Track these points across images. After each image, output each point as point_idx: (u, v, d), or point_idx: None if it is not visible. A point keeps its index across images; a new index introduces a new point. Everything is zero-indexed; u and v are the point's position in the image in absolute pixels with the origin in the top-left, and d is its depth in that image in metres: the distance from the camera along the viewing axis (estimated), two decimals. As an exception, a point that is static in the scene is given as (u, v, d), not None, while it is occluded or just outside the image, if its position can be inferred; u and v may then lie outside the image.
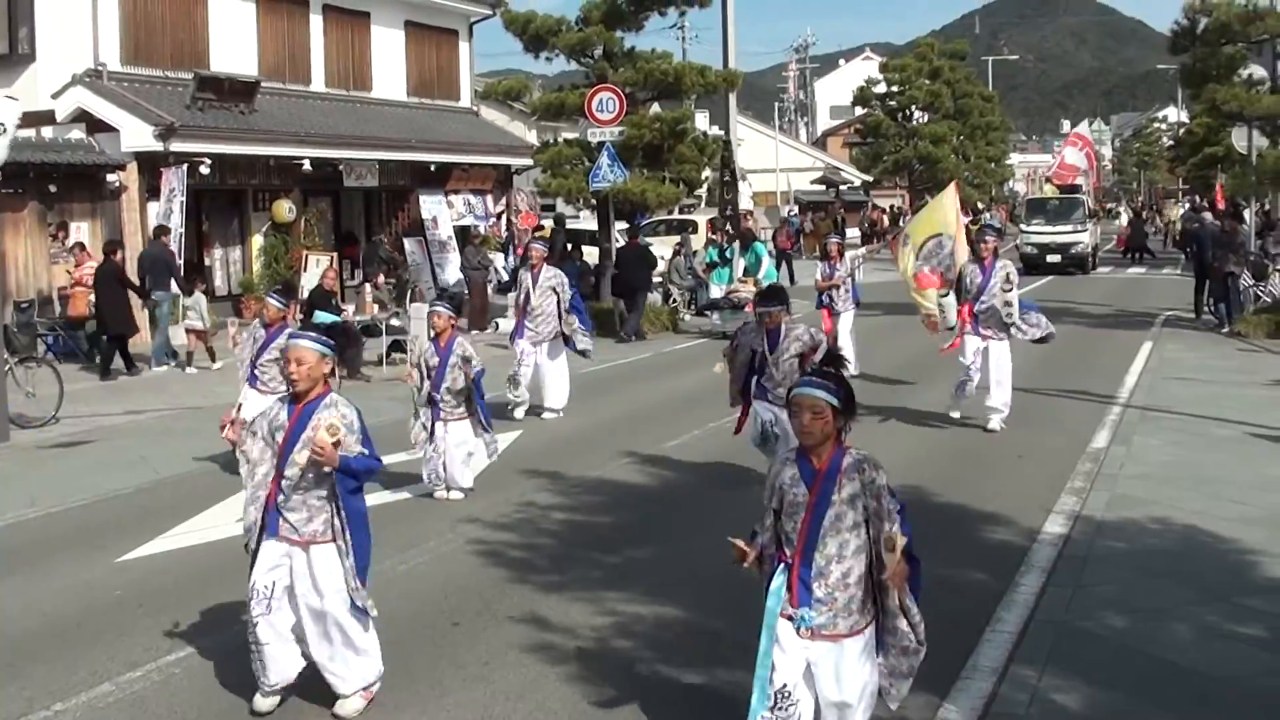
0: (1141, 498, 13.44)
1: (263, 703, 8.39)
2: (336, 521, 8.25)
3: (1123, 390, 20.87)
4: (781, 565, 6.75)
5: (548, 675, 8.95)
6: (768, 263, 30.70)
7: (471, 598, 10.82)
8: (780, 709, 6.61)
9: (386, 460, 15.39)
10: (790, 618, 6.66)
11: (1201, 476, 14.45)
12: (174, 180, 29.24)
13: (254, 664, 8.35)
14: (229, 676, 8.93)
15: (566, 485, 15.03)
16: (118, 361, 24.85)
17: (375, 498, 14.48)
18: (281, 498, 8.19)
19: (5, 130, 18.00)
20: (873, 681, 6.78)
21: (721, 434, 16.48)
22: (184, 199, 29.38)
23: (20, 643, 9.91)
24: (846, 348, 23.31)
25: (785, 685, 6.62)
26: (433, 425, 14.35)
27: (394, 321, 26.62)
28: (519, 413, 19.57)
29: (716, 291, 31.45)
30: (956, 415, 18.37)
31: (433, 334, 14.53)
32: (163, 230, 28.01)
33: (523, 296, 19.63)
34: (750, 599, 10.61)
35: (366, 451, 8.19)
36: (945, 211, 19.30)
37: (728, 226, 35.07)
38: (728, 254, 31.84)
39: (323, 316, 7.84)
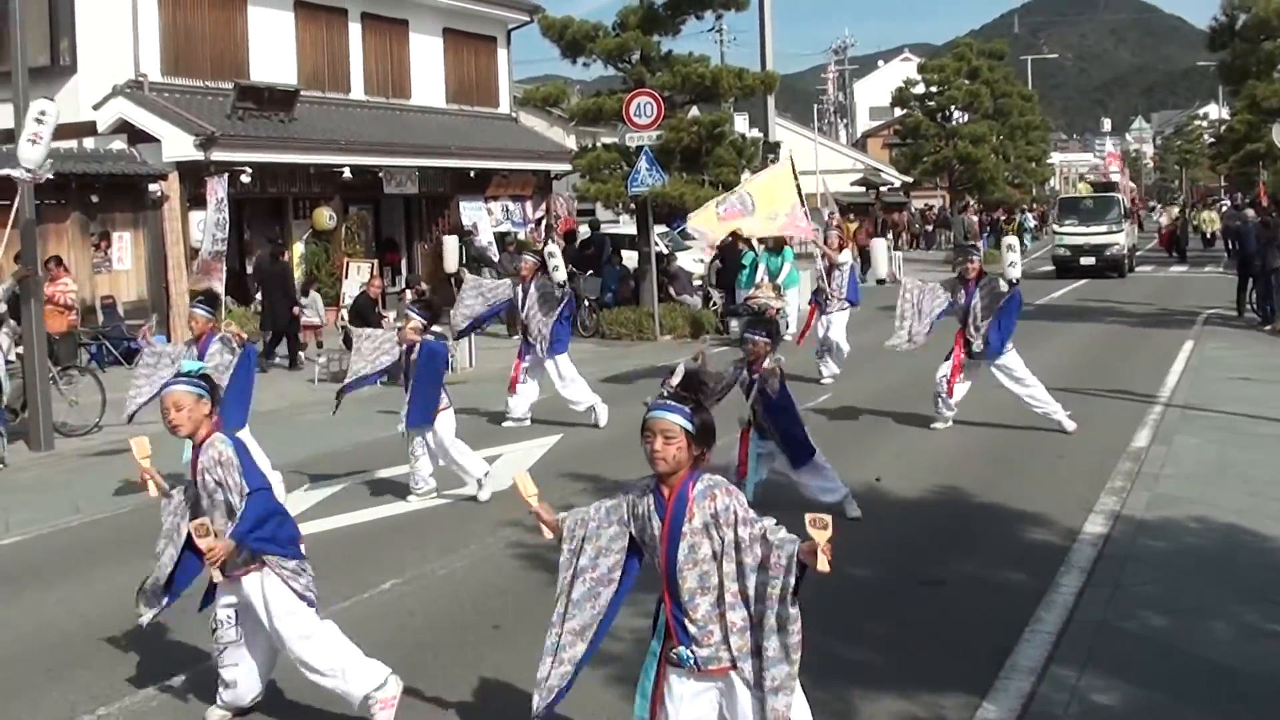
0: (1182, 497, 13.39)
1: (216, 713, 8.47)
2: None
3: (1164, 389, 20.78)
4: (660, 604, 6.40)
5: (588, 677, 8.94)
6: (788, 268, 30.51)
7: (512, 601, 10.87)
8: None
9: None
10: (672, 657, 6.34)
11: (1243, 475, 14.38)
12: (220, 189, 29.42)
13: (217, 682, 8.43)
14: (272, 680, 8.99)
15: (606, 488, 15.02)
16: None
17: (415, 503, 14.59)
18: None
19: (40, 138, 18.11)
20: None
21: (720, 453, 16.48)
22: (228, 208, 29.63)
23: (63, 648, 10.00)
24: (838, 349, 23.18)
25: None
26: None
27: (435, 328, 26.65)
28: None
29: (738, 298, 31.08)
30: (938, 426, 18.30)
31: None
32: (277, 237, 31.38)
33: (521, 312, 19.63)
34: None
35: (248, 487, 7.88)
36: (785, 186, 19.83)
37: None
38: (743, 260, 31.58)
39: (189, 365, 7.70)
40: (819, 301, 23.48)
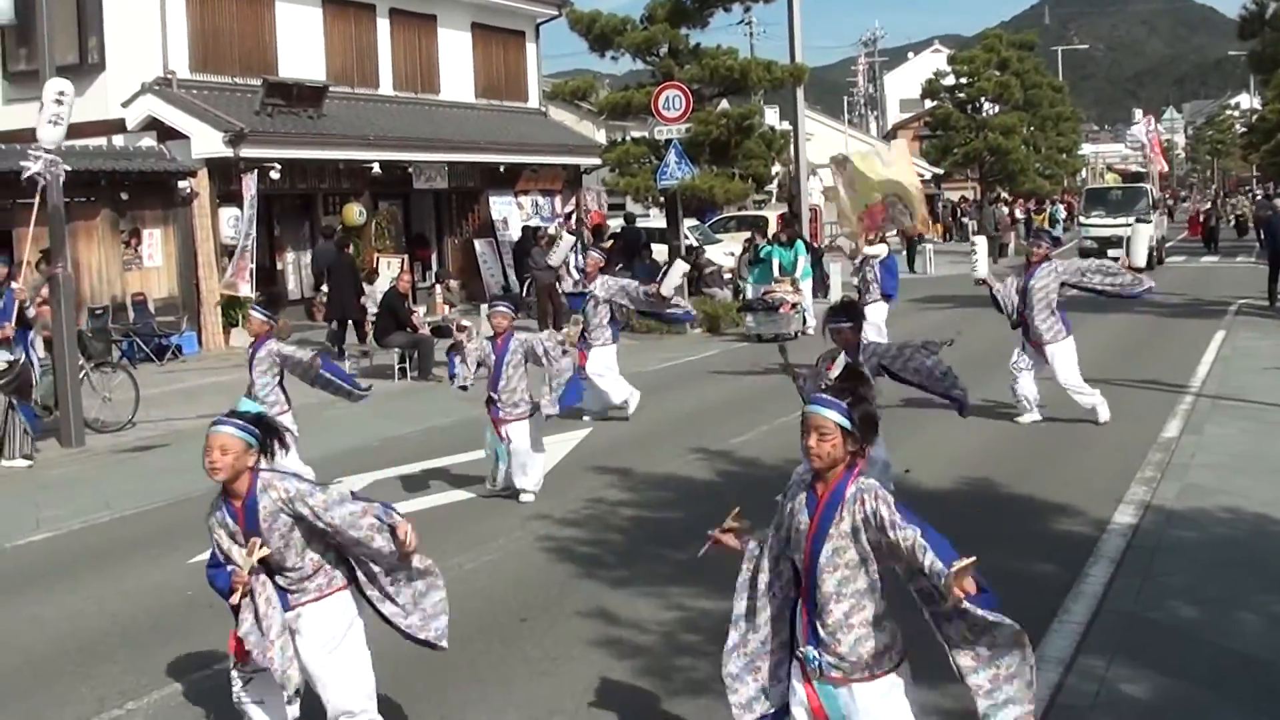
0: (1213, 487, 13.32)
1: None
2: (335, 569, 7.59)
3: (1194, 379, 20.66)
4: (798, 604, 6.22)
5: (615, 670, 8.99)
6: (803, 262, 30.38)
7: (540, 594, 10.87)
8: None
9: (456, 459, 15.55)
10: (799, 659, 6.19)
11: (1274, 466, 14.29)
12: (254, 186, 29.55)
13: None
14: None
15: (634, 482, 15.05)
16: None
17: (445, 497, 14.62)
18: (280, 579, 7.51)
19: (60, 120, 18.11)
20: None
21: (787, 430, 16.30)
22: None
23: (93, 643, 10.04)
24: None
25: None
26: (494, 426, 14.34)
27: (465, 322, 26.69)
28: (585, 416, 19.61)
29: (751, 293, 30.79)
30: (1027, 420, 17.93)
31: (491, 334, 14.53)
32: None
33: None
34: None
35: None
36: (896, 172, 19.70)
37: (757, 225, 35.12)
38: (761, 253, 31.42)
39: (247, 405, 7.49)
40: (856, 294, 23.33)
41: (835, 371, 6.28)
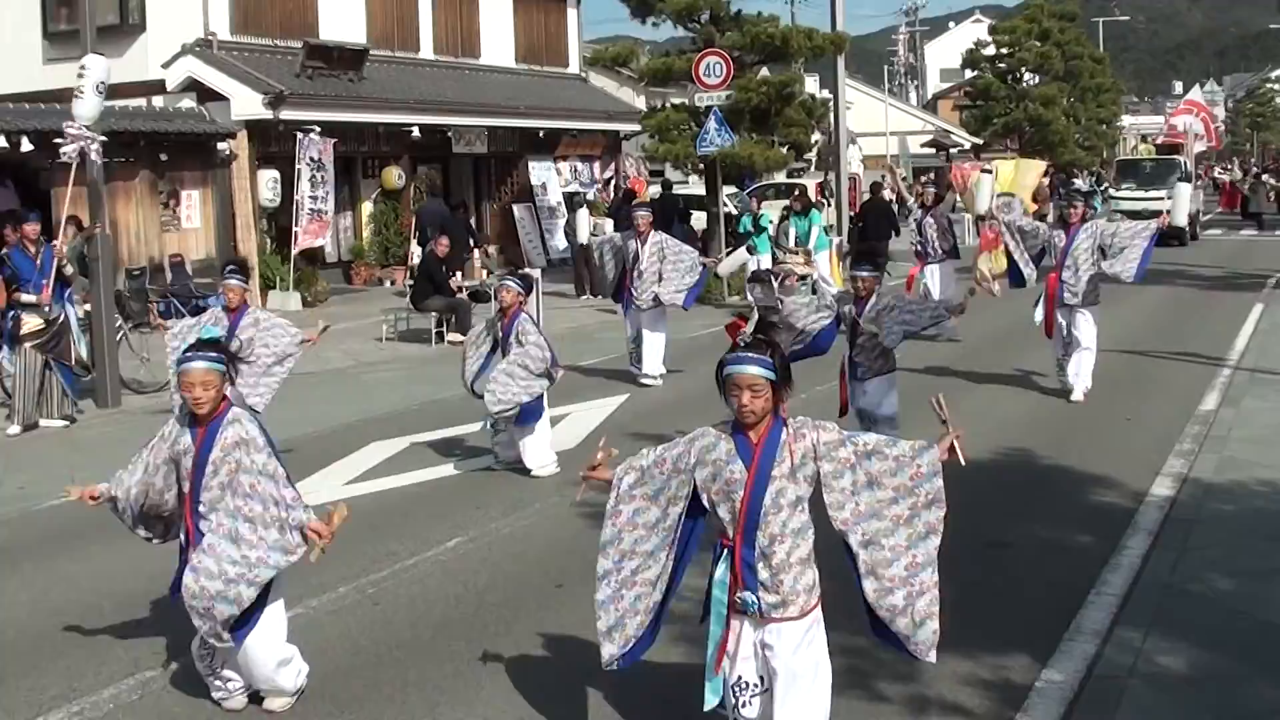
0: (1250, 460, 13.27)
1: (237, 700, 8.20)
2: None
3: (1232, 352, 20.57)
4: (724, 551, 6.35)
5: (651, 635, 8.98)
6: (817, 232, 30.17)
7: (576, 559, 10.84)
8: (740, 703, 6.39)
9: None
10: (737, 604, 6.30)
11: (1313, 439, 14.26)
12: (314, 150, 29.64)
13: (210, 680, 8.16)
14: (327, 636, 9.09)
15: (672, 447, 14.99)
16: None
17: (481, 461, 14.62)
18: (202, 521, 7.75)
19: (83, 93, 18.07)
20: (825, 660, 6.43)
21: (826, 399, 16.31)
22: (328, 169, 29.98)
23: (127, 603, 10.02)
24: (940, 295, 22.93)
25: (740, 676, 6.38)
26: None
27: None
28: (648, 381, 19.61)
29: (753, 264, 30.21)
30: (1076, 398, 17.68)
31: (498, 309, 14.12)
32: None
33: (630, 261, 19.61)
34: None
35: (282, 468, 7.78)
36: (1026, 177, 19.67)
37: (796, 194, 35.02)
38: (761, 222, 31.16)
39: (211, 331, 7.82)
40: (922, 255, 23.47)
41: (752, 326, 6.48)
